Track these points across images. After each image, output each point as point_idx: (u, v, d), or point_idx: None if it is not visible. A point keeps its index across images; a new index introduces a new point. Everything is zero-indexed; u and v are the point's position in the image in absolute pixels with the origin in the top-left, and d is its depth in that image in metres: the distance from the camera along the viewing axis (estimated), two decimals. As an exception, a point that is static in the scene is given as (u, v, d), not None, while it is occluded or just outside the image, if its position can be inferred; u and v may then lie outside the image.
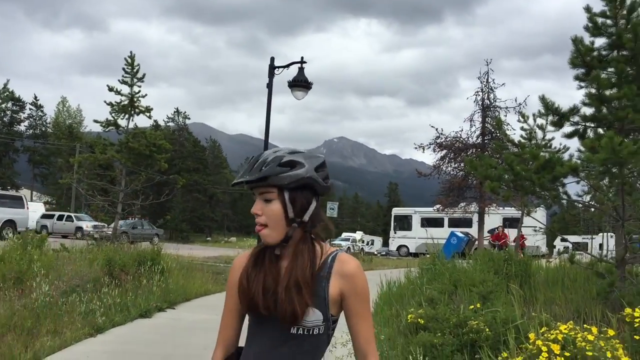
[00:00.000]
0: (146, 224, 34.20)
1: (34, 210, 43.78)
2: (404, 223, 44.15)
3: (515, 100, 24.59)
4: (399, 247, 43.79)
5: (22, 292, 8.13)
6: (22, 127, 68.71)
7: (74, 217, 38.29)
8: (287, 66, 13.67)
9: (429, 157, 26.88)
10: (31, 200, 56.66)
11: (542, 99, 7.42)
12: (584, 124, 7.54)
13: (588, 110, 7.38)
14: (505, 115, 24.65)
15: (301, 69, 13.47)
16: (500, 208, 27.05)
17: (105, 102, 17.38)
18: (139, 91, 17.57)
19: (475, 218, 28.20)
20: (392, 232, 45.33)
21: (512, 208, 22.65)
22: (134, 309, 8.71)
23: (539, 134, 7.66)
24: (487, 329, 4.86)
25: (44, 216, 39.48)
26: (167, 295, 10.14)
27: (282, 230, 1.71)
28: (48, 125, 71.42)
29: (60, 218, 39.10)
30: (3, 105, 62.33)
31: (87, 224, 37.93)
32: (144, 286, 9.95)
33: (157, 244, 15.06)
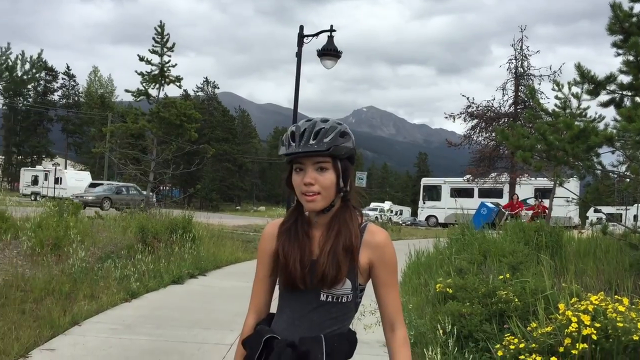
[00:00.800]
0: (133, 188, 30.73)
1: (80, 178, 43.95)
2: (433, 193, 43.95)
3: (550, 68, 24.06)
4: (428, 217, 43.71)
5: (59, 257, 8.38)
6: (55, 96, 69.98)
7: (123, 188, 38.14)
8: (317, 35, 13.57)
9: (460, 127, 26.67)
10: (65, 168, 57.86)
11: (578, 67, 7.22)
12: (620, 92, 7.33)
13: (625, 78, 7.17)
14: (539, 84, 24.16)
15: (330, 38, 13.35)
16: (532, 178, 26.67)
17: (136, 71, 17.52)
18: (169, 61, 17.64)
19: (506, 188, 27.92)
20: (421, 202, 45.21)
21: (544, 178, 22.33)
22: (166, 275, 8.92)
23: (574, 102, 7.48)
24: (516, 299, 4.85)
25: (91, 185, 39.05)
26: (198, 263, 10.35)
27: (330, 199, 1.75)
28: (80, 94, 72.48)
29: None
30: (37, 75, 63.33)
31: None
32: (176, 253, 10.17)
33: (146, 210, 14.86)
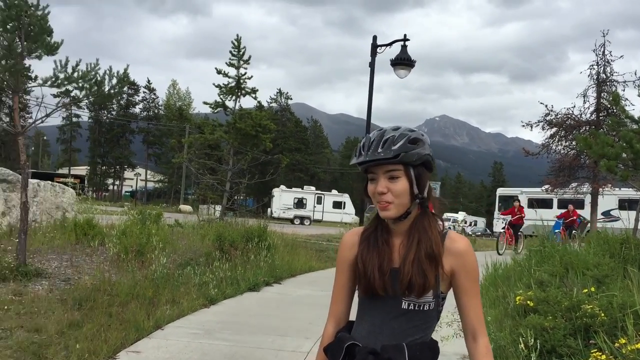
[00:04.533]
0: None
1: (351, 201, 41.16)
2: (510, 204, 42.64)
3: (635, 74, 22.84)
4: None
5: (142, 264, 8.73)
6: (136, 109, 73.18)
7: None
8: (390, 44, 13.57)
9: (537, 136, 25.98)
10: (146, 178, 59.60)
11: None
12: None
13: None
14: (623, 90, 23.01)
15: (404, 47, 13.32)
16: (616, 189, 25.45)
17: (213, 84, 18.11)
18: (245, 73, 18.13)
19: (587, 199, 26.74)
20: (496, 213, 43.94)
21: (630, 189, 21.20)
22: (243, 282, 9.11)
23: (663, 108, 7.10)
24: (603, 314, 4.64)
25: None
26: (273, 271, 10.51)
27: (405, 207, 1.74)
28: (160, 107, 75.49)
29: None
30: (122, 89, 66.52)
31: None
32: (252, 261, 10.38)
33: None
